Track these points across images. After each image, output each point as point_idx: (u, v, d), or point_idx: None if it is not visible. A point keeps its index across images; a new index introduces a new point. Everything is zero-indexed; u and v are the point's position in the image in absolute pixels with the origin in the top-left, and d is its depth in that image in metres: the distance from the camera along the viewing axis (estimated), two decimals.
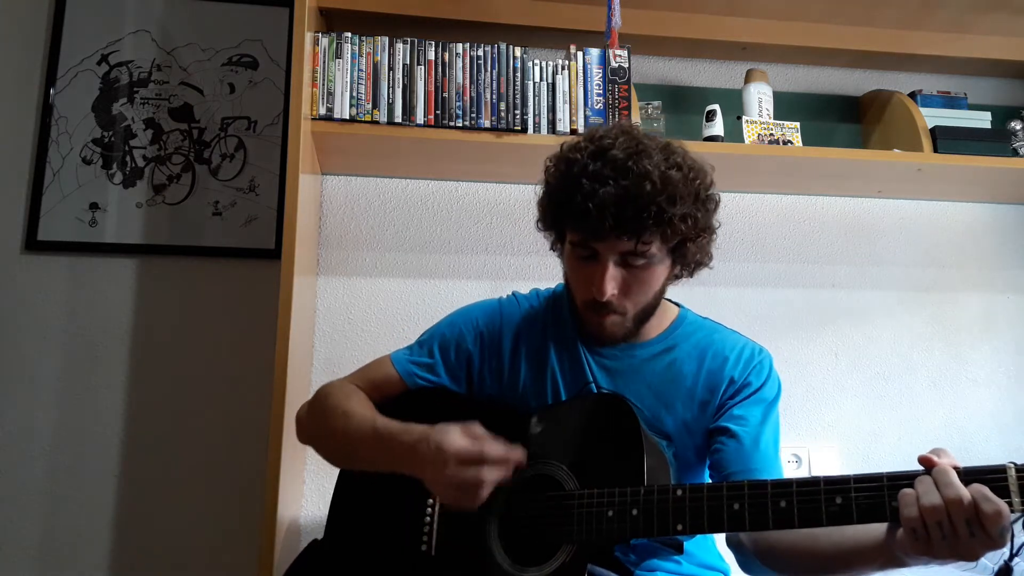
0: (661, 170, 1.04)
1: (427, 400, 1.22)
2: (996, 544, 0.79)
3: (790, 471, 1.91)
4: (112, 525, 1.78)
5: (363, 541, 1.16)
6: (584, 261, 1.11)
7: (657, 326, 1.22)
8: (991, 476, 0.81)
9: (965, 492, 0.80)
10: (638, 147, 1.06)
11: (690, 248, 1.12)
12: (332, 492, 1.26)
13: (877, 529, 0.91)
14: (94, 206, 1.88)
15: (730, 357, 1.19)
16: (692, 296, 1.38)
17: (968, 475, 0.82)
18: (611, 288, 1.08)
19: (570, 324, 1.23)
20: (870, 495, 0.86)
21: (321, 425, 1.21)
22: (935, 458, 0.84)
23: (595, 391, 1.18)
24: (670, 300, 1.28)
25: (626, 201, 1.03)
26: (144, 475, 1.80)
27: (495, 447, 1.00)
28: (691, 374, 1.18)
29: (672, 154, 1.09)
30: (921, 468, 0.85)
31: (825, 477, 0.89)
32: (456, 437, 1.00)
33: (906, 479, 0.85)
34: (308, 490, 1.83)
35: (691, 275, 1.20)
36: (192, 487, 1.81)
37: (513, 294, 1.31)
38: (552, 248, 1.24)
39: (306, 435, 1.27)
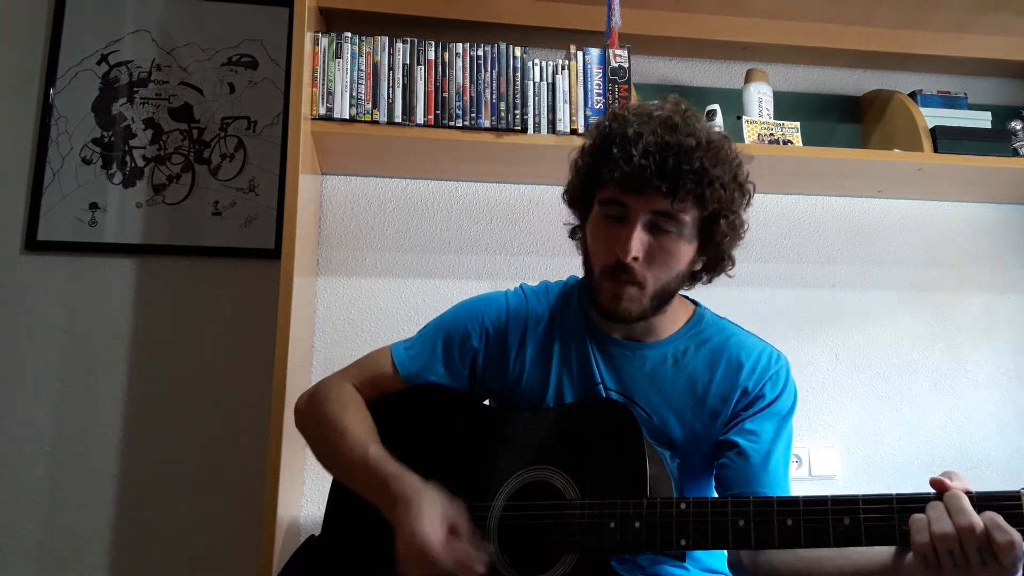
0: (707, 133, 1.06)
1: (426, 398, 1.20)
2: (1008, 573, 0.78)
3: (790, 471, 1.91)
4: (112, 525, 1.78)
5: (361, 540, 1.15)
6: (612, 222, 1.08)
7: (671, 324, 1.19)
8: (1004, 503, 0.80)
9: (978, 520, 0.78)
10: (685, 112, 1.08)
11: (720, 228, 1.09)
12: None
13: (883, 554, 0.89)
14: (94, 206, 1.88)
15: (745, 365, 1.15)
16: (693, 296, 1.38)
17: (981, 501, 0.80)
18: (636, 248, 1.04)
19: (580, 321, 1.20)
20: (879, 517, 0.84)
21: (316, 433, 1.19)
22: (947, 481, 0.83)
23: (603, 392, 1.16)
24: (687, 297, 1.25)
25: (669, 151, 1.02)
26: (144, 475, 1.80)
27: (459, 558, 0.96)
28: (703, 381, 1.15)
29: (716, 130, 1.11)
30: (932, 490, 0.84)
31: (833, 497, 0.87)
32: (433, 530, 0.96)
33: (916, 502, 0.83)
34: (308, 490, 1.83)
35: (709, 280, 1.18)
36: (192, 487, 1.81)
37: (521, 287, 1.27)
38: (572, 236, 1.21)
39: (302, 428, 1.25)
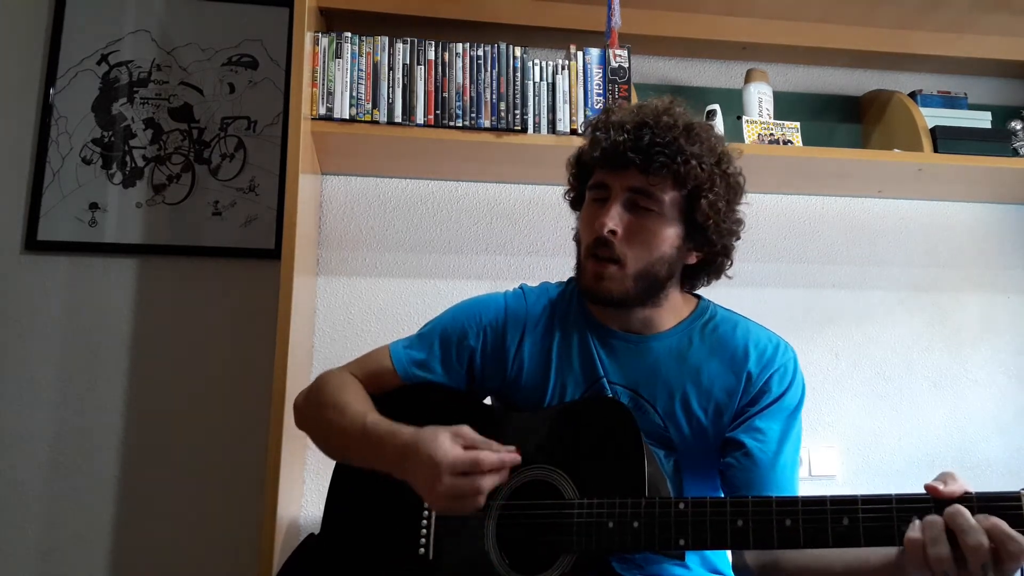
0: (687, 119, 1.11)
1: (425, 396, 1.21)
2: None
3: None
4: (112, 525, 1.78)
5: (359, 540, 1.15)
6: (597, 206, 1.12)
7: (673, 317, 1.18)
8: (1004, 504, 0.79)
9: (985, 539, 0.77)
10: (672, 103, 1.13)
11: (701, 208, 1.09)
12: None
13: (888, 550, 0.89)
14: (94, 206, 1.88)
15: (752, 354, 1.15)
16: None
17: (981, 502, 0.80)
18: (613, 221, 1.08)
19: (580, 316, 1.21)
20: (878, 517, 0.84)
21: (315, 416, 1.20)
22: (942, 488, 0.82)
23: (607, 385, 1.15)
24: (691, 293, 1.24)
25: (645, 128, 1.07)
26: (144, 475, 1.80)
27: (489, 455, 0.99)
28: (708, 373, 1.15)
29: (706, 123, 1.15)
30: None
31: (832, 497, 0.87)
32: (447, 446, 0.98)
33: (916, 502, 0.83)
34: (308, 490, 1.83)
35: (709, 280, 1.19)
36: (192, 487, 1.81)
37: (520, 287, 1.28)
38: (574, 239, 1.22)
39: (302, 422, 1.25)
